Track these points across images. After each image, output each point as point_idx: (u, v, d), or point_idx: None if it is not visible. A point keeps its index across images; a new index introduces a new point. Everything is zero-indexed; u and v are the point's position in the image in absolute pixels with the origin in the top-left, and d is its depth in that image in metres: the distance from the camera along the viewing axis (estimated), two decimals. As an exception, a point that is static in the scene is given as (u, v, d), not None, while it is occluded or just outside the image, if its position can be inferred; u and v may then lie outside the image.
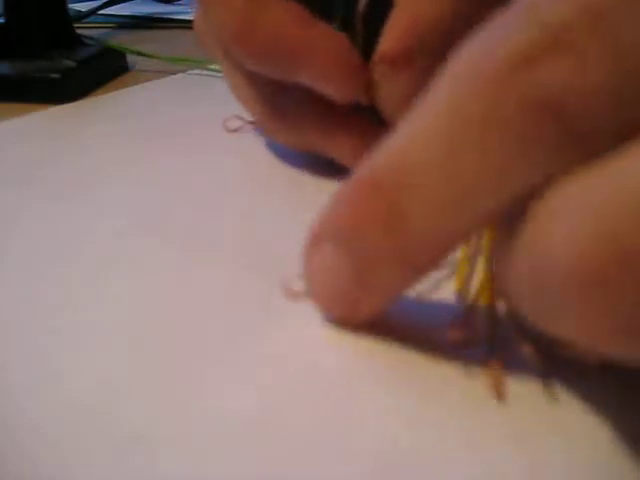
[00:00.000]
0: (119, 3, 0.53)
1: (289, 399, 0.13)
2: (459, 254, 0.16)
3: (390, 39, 0.18)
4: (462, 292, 0.15)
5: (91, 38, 0.39)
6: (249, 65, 0.20)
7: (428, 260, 0.12)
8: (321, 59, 0.19)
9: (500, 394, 0.13)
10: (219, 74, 0.32)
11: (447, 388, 0.13)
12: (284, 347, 0.14)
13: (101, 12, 0.51)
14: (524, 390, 0.13)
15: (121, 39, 0.45)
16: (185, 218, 0.20)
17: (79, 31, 0.38)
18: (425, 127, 0.11)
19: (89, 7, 0.51)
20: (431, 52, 0.17)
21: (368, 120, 0.20)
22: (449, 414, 0.12)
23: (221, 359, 0.14)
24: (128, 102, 0.32)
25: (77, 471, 0.11)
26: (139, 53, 0.39)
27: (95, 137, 0.27)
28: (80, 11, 0.50)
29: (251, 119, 0.23)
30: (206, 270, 0.17)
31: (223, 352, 0.14)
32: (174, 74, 0.37)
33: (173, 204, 0.21)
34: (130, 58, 0.39)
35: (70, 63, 0.33)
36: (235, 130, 0.22)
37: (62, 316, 0.15)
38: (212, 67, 0.36)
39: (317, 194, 0.21)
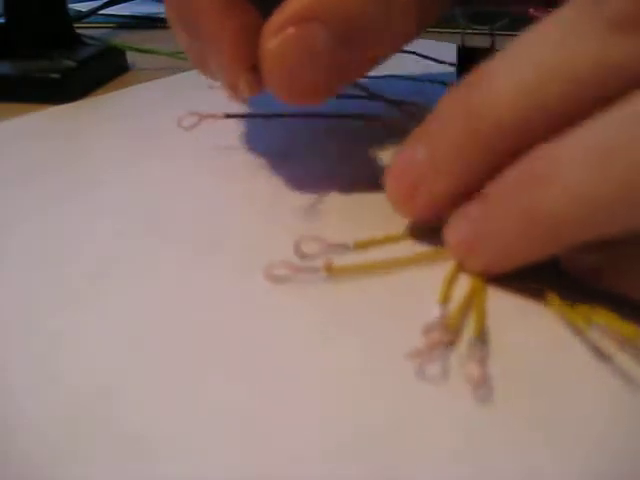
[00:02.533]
0: (119, 3, 0.53)
1: (289, 399, 0.13)
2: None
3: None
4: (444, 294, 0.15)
5: (92, 38, 0.39)
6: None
7: None
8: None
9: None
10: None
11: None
12: (284, 347, 0.14)
13: (101, 12, 0.51)
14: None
15: (121, 39, 0.45)
16: (185, 218, 0.20)
17: (79, 31, 0.38)
18: None
19: (89, 7, 0.51)
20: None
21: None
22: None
23: (221, 359, 0.14)
24: (128, 102, 0.32)
25: (77, 471, 0.11)
26: (139, 50, 0.39)
27: (95, 137, 0.27)
28: (80, 11, 0.50)
29: (210, 114, 0.23)
30: (206, 270, 0.17)
31: (223, 352, 0.14)
32: (174, 74, 0.37)
33: (174, 204, 0.21)
34: (130, 58, 0.39)
35: (70, 63, 0.33)
36: (191, 127, 0.22)
37: (62, 316, 0.15)
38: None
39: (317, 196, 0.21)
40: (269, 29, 0.17)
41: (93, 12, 0.50)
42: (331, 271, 0.16)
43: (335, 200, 0.21)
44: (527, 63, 0.14)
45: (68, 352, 0.14)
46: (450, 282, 0.16)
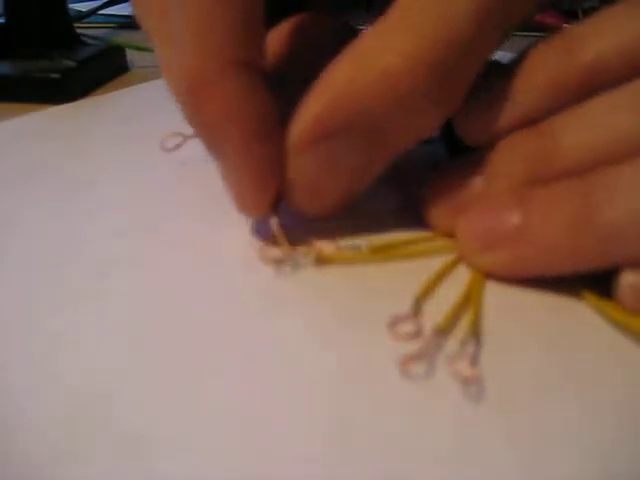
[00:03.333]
0: (120, 3, 0.53)
1: (289, 398, 0.13)
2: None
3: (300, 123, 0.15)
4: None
5: (92, 37, 0.39)
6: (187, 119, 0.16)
7: None
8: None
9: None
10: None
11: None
12: (285, 347, 0.14)
13: (101, 12, 0.51)
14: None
15: (121, 39, 0.45)
16: (186, 218, 0.20)
17: (79, 31, 0.38)
18: None
19: (89, 7, 0.51)
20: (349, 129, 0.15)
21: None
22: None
23: (221, 358, 0.14)
24: (128, 102, 0.32)
25: (77, 471, 0.11)
26: (139, 48, 0.39)
27: (95, 137, 0.27)
28: (80, 11, 0.50)
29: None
30: (206, 269, 0.17)
31: (223, 351, 0.14)
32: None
33: (174, 204, 0.21)
34: (130, 57, 0.39)
35: (70, 63, 0.33)
36: (174, 148, 0.21)
37: (62, 316, 0.15)
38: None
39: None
40: (291, 148, 0.16)
41: (93, 12, 0.50)
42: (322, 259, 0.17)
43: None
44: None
45: (68, 352, 0.14)
46: (436, 279, 0.16)
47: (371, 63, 0.14)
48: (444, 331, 0.14)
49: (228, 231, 0.19)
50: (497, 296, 0.16)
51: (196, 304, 0.16)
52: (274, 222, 0.17)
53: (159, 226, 0.19)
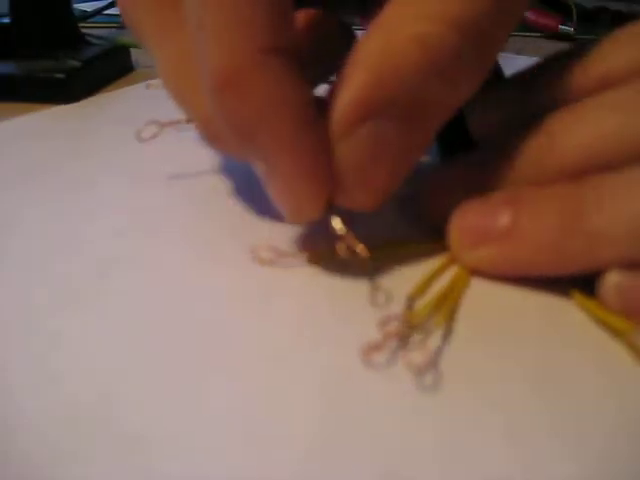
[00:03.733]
0: (124, 3, 0.53)
1: (289, 399, 0.13)
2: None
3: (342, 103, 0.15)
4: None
5: (97, 37, 0.39)
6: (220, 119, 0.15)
7: None
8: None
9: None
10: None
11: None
12: (284, 347, 0.14)
13: (106, 12, 0.51)
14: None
15: (126, 39, 0.45)
16: (186, 218, 0.20)
17: (84, 31, 0.38)
18: None
19: (94, 7, 0.51)
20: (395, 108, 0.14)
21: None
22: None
23: (221, 359, 0.14)
24: (133, 101, 0.32)
25: (77, 471, 0.11)
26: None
27: (99, 137, 0.27)
28: (85, 11, 0.50)
29: (172, 121, 0.21)
30: (206, 269, 0.17)
31: (223, 352, 0.14)
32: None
33: (176, 204, 0.21)
34: (135, 57, 0.39)
35: (75, 63, 0.33)
36: (152, 137, 0.20)
37: (62, 316, 0.15)
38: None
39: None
40: (336, 133, 0.15)
41: (98, 12, 0.50)
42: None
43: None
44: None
45: (68, 352, 0.14)
46: (430, 278, 0.16)
47: (404, 32, 0.14)
48: (415, 322, 0.14)
49: (229, 230, 0.19)
50: (484, 293, 0.16)
51: (196, 303, 0.16)
52: (337, 222, 0.16)
53: (161, 225, 0.19)
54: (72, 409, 0.12)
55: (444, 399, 0.13)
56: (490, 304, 0.16)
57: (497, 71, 0.19)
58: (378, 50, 0.14)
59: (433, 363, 0.13)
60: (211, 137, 0.17)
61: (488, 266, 0.16)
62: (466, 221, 0.16)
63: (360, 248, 0.15)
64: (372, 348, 0.14)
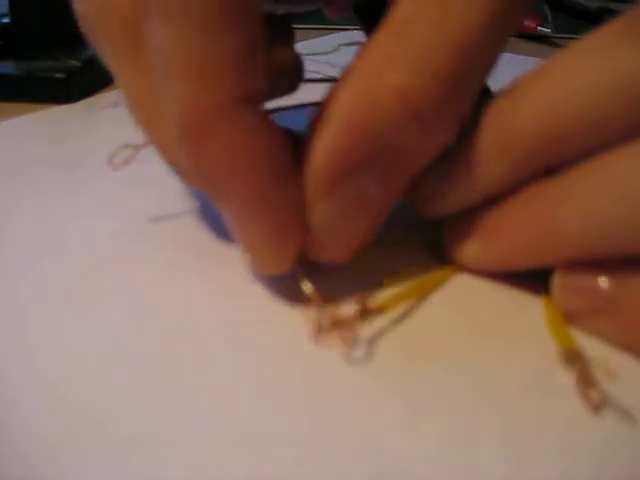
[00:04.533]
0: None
1: (288, 399, 0.13)
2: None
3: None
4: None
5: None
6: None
7: None
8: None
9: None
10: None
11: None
12: (283, 348, 0.14)
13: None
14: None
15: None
16: (185, 219, 0.20)
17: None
18: None
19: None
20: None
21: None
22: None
23: (219, 359, 0.14)
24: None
25: (74, 473, 0.11)
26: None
27: (99, 137, 0.27)
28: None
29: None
30: (204, 269, 0.17)
31: (221, 352, 0.14)
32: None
33: (174, 204, 0.21)
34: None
35: (75, 63, 0.33)
36: (124, 163, 0.19)
37: (62, 316, 0.15)
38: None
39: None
40: (313, 193, 0.14)
41: (99, 12, 0.50)
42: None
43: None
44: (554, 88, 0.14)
45: (66, 353, 0.14)
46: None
47: (380, 82, 0.13)
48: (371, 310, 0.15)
49: (224, 231, 0.19)
50: (463, 287, 0.16)
51: (194, 304, 0.16)
52: (307, 286, 0.15)
53: (160, 225, 0.19)
54: (69, 411, 0.12)
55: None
56: (463, 297, 0.16)
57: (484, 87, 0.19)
58: (355, 101, 0.13)
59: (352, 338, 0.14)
60: (179, 173, 0.16)
61: (472, 262, 0.16)
62: (460, 219, 0.16)
63: (330, 311, 0.15)
64: (319, 327, 0.14)
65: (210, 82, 0.13)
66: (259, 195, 0.13)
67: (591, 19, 0.56)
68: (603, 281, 0.14)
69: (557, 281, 0.15)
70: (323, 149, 0.14)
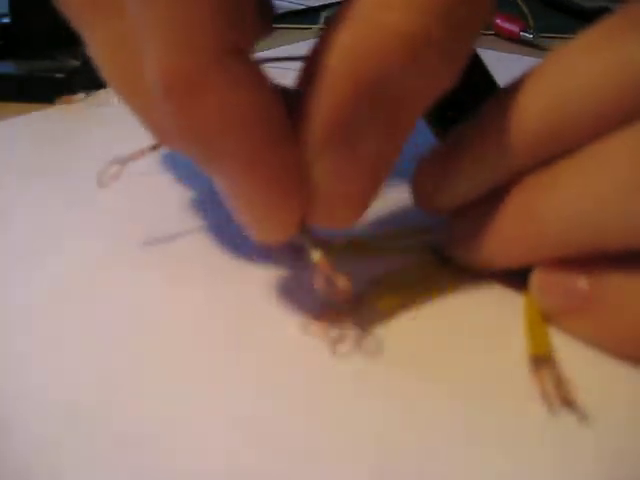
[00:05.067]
0: (124, 2, 0.53)
1: (287, 400, 0.13)
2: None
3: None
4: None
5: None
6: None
7: None
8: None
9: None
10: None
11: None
12: (282, 348, 0.14)
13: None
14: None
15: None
16: (186, 218, 0.20)
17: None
18: None
19: (94, 7, 0.51)
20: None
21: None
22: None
23: (219, 359, 0.14)
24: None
25: (74, 473, 0.11)
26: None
27: (99, 137, 0.27)
28: (85, 11, 0.50)
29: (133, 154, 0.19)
30: (202, 270, 0.17)
31: (222, 352, 0.14)
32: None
33: (173, 204, 0.21)
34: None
35: (75, 63, 0.33)
36: (112, 179, 0.19)
37: (61, 316, 0.15)
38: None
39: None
40: (311, 147, 0.13)
41: (98, 12, 0.50)
42: None
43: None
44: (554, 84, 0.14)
45: (64, 354, 0.14)
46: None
47: (377, 22, 0.12)
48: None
49: (224, 235, 0.19)
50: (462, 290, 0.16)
51: (193, 305, 0.16)
52: (316, 255, 0.14)
53: (159, 225, 0.19)
54: (67, 411, 0.12)
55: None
56: (456, 299, 0.16)
57: (488, 78, 0.19)
58: (351, 46, 0.12)
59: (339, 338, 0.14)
60: (160, 137, 0.15)
61: (462, 260, 0.16)
62: (455, 219, 0.16)
63: (342, 281, 0.14)
64: (310, 322, 0.14)
65: (195, 33, 0.11)
66: (254, 155, 0.12)
67: (588, 18, 0.57)
68: (581, 280, 0.14)
69: (535, 279, 0.15)
70: (319, 102, 0.12)
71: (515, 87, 0.14)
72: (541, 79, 0.14)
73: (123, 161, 0.18)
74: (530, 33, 0.45)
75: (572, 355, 0.14)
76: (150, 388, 0.13)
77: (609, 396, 0.13)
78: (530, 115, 0.14)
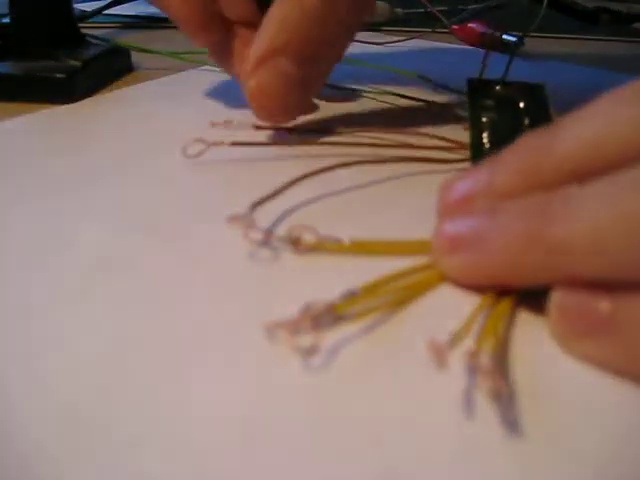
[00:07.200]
0: (124, 3, 0.53)
1: (285, 402, 0.13)
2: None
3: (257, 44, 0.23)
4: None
5: (97, 38, 0.39)
6: None
7: None
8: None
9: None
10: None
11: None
12: (280, 349, 0.14)
13: (106, 12, 0.51)
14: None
15: (126, 39, 0.45)
16: (185, 219, 0.20)
17: (84, 31, 0.38)
18: None
19: (94, 7, 0.51)
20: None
21: None
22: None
23: (220, 359, 0.14)
24: (132, 102, 0.32)
25: (74, 473, 0.11)
26: (143, 50, 0.39)
27: (99, 137, 0.27)
28: (85, 11, 0.50)
29: (214, 142, 0.23)
30: (201, 271, 0.17)
31: (222, 352, 0.14)
32: (179, 72, 0.37)
33: (172, 204, 0.21)
34: (135, 58, 0.39)
35: (75, 63, 0.33)
36: (197, 155, 0.23)
37: (61, 315, 0.15)
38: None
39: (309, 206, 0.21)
40: (247, 71, 0.24)
41: (98, 12, 0.50)
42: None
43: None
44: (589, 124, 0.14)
45: (62, 354, 0.14)
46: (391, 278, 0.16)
47: (298, 4, 0.22)
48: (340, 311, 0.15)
49: (227, 231, 0.19)
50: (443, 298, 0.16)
51: (190, 305, 0.16)
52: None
53: (159, 226, 0.19)
54: (66, 412, 0.12)
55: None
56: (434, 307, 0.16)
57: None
58: (281, 15, 0.23)
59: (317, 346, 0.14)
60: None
61: (457, 273, 0.16)
62: (449, 227, 0.16)
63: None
64: (278, 325, 0.14)
65: None
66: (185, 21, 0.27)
67: (589, 19, 0.57)
68: (603, 302, 0.13)
69: (555, 299, 0.14)
70: (260, 40, 0.23)
71: (553, 127, 0.15)
72: (576, 123, 0.15)
73: (209, 143, 0.23)
74: (514, 36, 0.42)
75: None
76: (150, 388, 0.13)
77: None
78: (563, 145, 0.15)
